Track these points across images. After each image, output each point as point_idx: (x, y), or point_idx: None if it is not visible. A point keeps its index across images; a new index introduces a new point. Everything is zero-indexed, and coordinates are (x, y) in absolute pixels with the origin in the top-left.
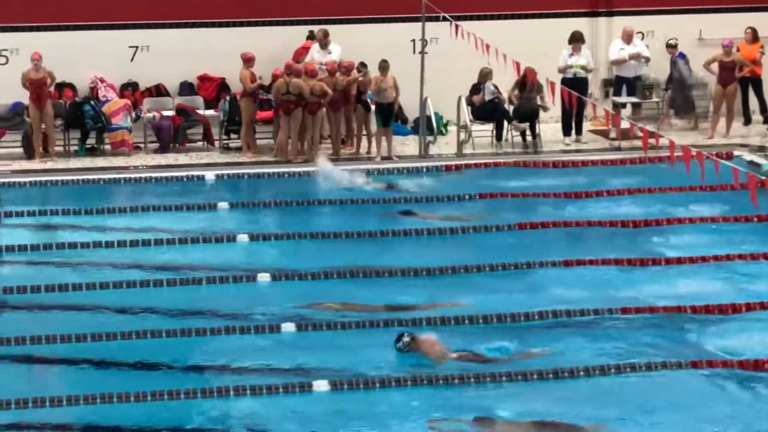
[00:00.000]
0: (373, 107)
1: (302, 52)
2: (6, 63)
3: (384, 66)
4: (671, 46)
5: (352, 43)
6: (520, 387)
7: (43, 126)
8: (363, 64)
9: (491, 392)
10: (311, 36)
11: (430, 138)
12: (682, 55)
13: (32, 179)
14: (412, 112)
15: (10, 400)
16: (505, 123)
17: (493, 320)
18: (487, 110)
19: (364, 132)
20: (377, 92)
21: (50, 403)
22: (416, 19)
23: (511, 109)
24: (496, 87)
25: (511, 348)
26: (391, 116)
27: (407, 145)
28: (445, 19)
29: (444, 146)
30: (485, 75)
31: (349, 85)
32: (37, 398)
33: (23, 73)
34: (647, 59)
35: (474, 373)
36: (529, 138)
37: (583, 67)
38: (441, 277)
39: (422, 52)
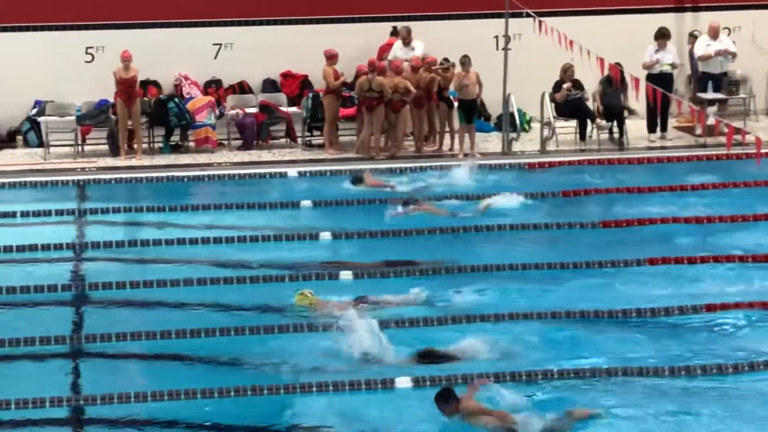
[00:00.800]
0: (456, 104)
1: (386, 49)
2: (92, 61)
3: (465, 62)
4: None
5: (435, 40)
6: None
7: (130, 123)
8: (447, 60)
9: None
10: (394, 32)
11: (513, 135)
12: None
13: (117, 176)
14: (495, 108)
15: (95, 395)
16: (589, 121)
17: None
18: (571, 107)
19: (447, 129)
20: (459, 89)
21: (135, 398)
22: (500, 15)
23: (595, 106)
24: (578, 83)
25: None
26: (473, 113)
27: (490, 141)
28: (528, 15)
29: (527, 143)
30: (566, 71)
31: (432, 81)
32: (122, 394)
33: (114, 72)
34: (734, 55)
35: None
36: (615, 135)
37: (670, 64)
38: (524, 273)
39: (506, 49)
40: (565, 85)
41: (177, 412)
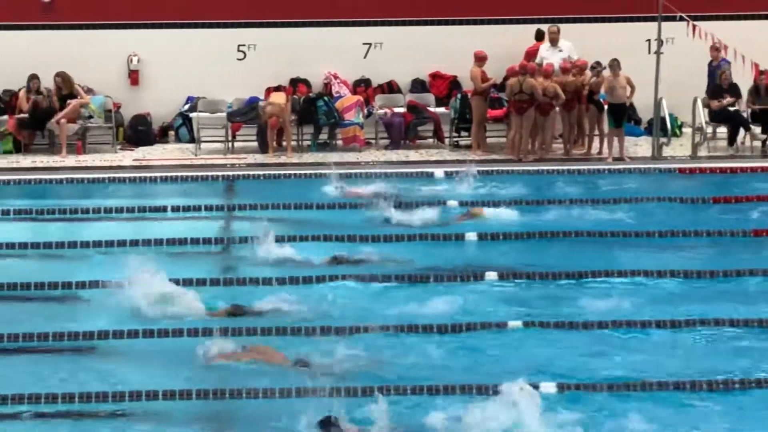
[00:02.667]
0: (605, 107)
1: (532, 52)
2: (243, 58)
3: (615, 65)
4: None
5: (585, 42)
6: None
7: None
8: (598, 64)
9: None
10: (539, 36)
11: (663, 139)
12: None
13: (265, 172)
14: (645, 112)
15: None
16: (742, 129)
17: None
18: (725, 114)
19: (596, 132)
20: (609, 92)
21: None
22: (652, 19)
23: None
24: (735, 88)
25: None
26: (623, 117)
27: (640, 146)
28: (682, 18)
29: (678, 148)
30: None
31: (582, 85)
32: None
33: None
34: None
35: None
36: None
37: None
38: (670, 281)
39: (658, 52)
40: (725, 101)
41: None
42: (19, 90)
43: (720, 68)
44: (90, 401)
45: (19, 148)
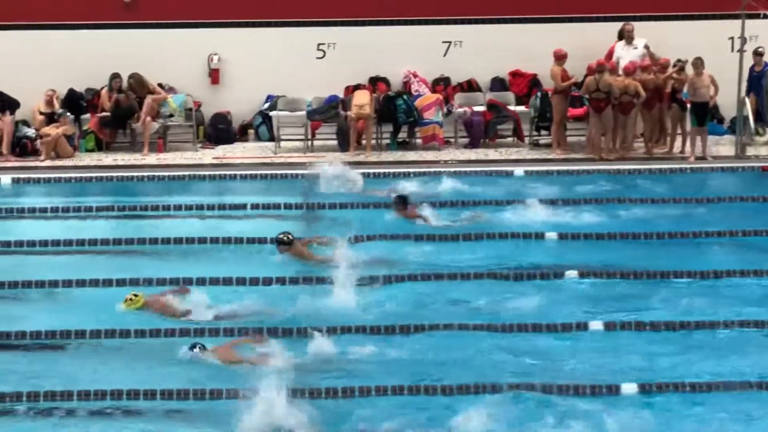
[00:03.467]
0: (688, 106)
1: (614, 50)
2: (323, 57)
3: (698, 64)
4: None
5: (666, 40)
6: None
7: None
8: (680, 61)
9: None
10: (623, 34)
11: (747, 139)
12: None
13: None
14: (728, 111)
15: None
16: None
17: None
18: None
19: (679, 131)
20: (692, 91)
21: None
22: (735, 17)
23: None
24: None
25: None
26: (705, 115)
27: (722, 145)
28: (765, 16)
29: (762, 148)
30: None
31: (664, 83)
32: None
33: None
34: None
35: None
36: None
37: None
38: (754, 281)
39: (741, 50)
40: None
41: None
42: (102, 89)
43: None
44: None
45: (101, 146)
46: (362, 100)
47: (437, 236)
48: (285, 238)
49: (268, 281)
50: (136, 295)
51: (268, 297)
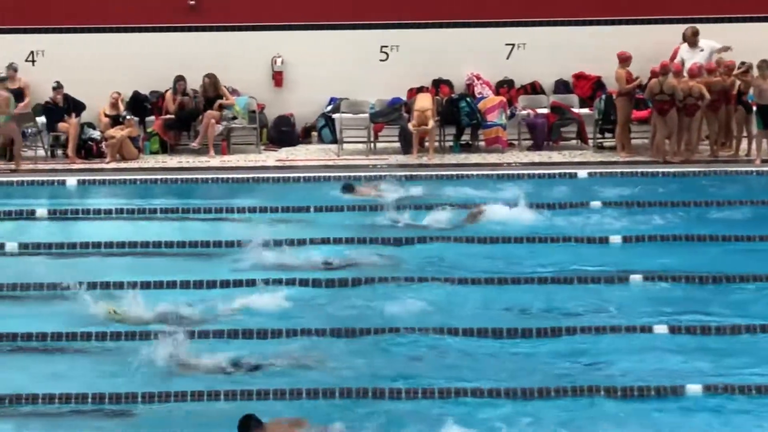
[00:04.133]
0: (754, 108)
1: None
2: (386, 59)
3: (763, 66)
4: None
5: (731, 43)
6: None
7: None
8: (743, 63)
9: None
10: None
11: None
12: None
13: (405, 173)
14: None
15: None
16: None
17: None
18: None
19: (744, 133)
20: (758, 93)
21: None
22: None
23: None
24: None
25: None
26: None
27: None
28: None
29: None
30: None
31: (730, 86)
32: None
33: None
34: None
35: None
36: None
37: None
38: None
39: None
40: None
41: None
42: (166, 91)
43: None
44: None
45: (165, 149)
46: (424, 102)
47: (500, 238)
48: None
49: (330, 283)
50: (114, 311)
51: (326, 298)
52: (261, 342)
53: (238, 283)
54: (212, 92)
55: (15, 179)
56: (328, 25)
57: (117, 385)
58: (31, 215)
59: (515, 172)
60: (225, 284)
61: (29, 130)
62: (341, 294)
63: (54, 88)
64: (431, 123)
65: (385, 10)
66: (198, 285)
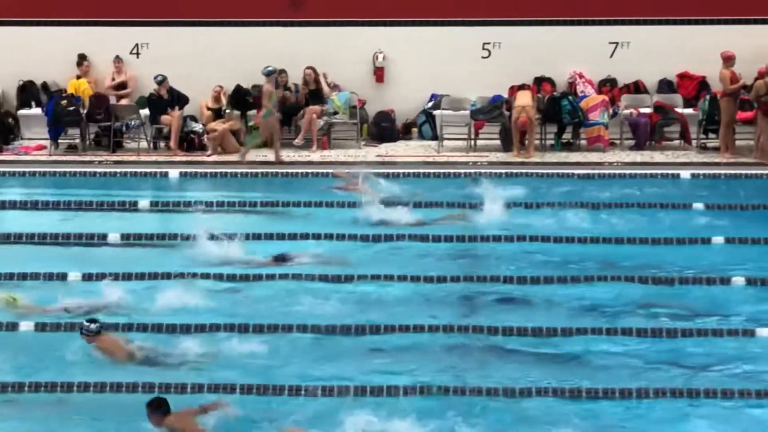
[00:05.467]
0: None
1: None
2: (488, 56)
3: None
4: None
5: None
6: None
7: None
8: None
9: None
10: None
11: None
12: None
13: (506, 171)
14: None
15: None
16: None
17: None
18: None
19: None
20: None
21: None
22: None
23: None
24: None
25: None
26: None
27: None
28: None
29: None
30: None
31: None
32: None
33: None
34: None
35: None
36: None
37: None
38: None
39: None
40: None
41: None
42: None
43: None
44: None
45: (266, 143)
46: (525, 100)
47: (602, 239)
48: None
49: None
50: (14, 299)
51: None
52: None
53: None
54: (313, 85)
55: (119, 170)
56: (430, 22)
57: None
58: (133, 206)
59: (617, 171)
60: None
61: (133, 122)
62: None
63: (158, 81)
64: (531, 120)
65: (488, 6)
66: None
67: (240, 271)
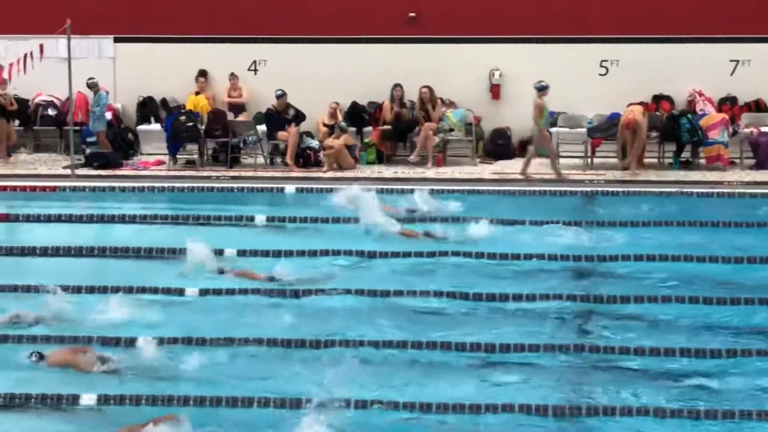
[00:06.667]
0: None
1: None
2: (606, 74)
3: None
4: None
5: None
6: None
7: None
8: None
9: None
10: None
11: None
12: None
13: (623, 189)
14: None
15: None
16: None
17: None
18: None
19: None
20: None
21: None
22: None
23: None
24: None
25: None
26: None
27: None
28: None
29: None
30: None
31: None
32: None
33: None
34: None
35: None
36: None
37: None
38: None
39: None
40: None
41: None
42: (383, 102)
43: None
44: None
45: (381, 159)
46: (634, 107)
47: (720, 259)
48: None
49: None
50: None
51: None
52: None
53: (451, 296)
54: (429, 103)
55: (235, 185)
56: (547, 39)
57: None
58: (250, 221)
59: (736, 190)
60: (439, 294)
61: (250, 138)
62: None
63: (277, 96)
64: (638, 122)
65: (606, 24)
66: (411, 294)
67: None
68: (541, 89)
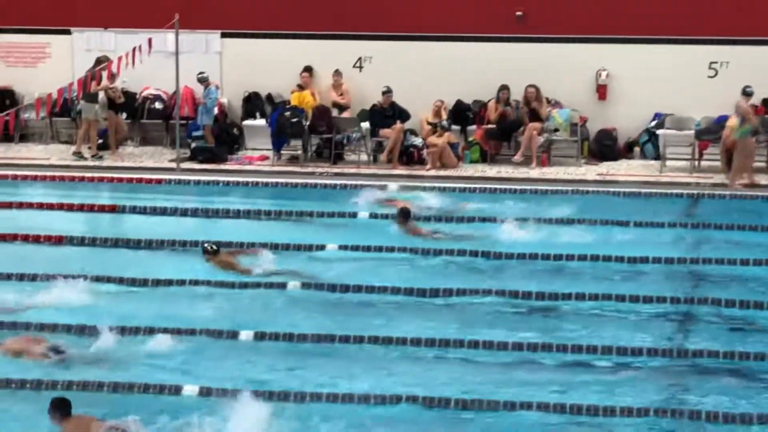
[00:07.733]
0: None
1: None
2: (715, 76)
3: None
4: None
5: None
6: None
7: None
8: None
9: None
10: None
11: None
12: None
13: (730, 192)
14: None
15: None
16: None
17: None
18: None
19: None
20: None
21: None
22: None
23: None
24: None
25: None
26: None
27: None
28: None
29: None
30: None
31: None
32: None
33: None
34: None
35: None
36: None
37: None
38: None
39: None
40: None
41: None
42: (489, 101)
43: None
44: None
45: (485, 158)
46: (731, 122)
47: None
48: (209, 248)
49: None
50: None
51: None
52: None
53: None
54: (534, 102)
55: (338, 182)
56: (655, 39)
57: None
58: (352, 217)
59: None
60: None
61: (354, 135)
62: None
63: (383, 92)
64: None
65: (716, 25)
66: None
67: None
68: (749, 94)
